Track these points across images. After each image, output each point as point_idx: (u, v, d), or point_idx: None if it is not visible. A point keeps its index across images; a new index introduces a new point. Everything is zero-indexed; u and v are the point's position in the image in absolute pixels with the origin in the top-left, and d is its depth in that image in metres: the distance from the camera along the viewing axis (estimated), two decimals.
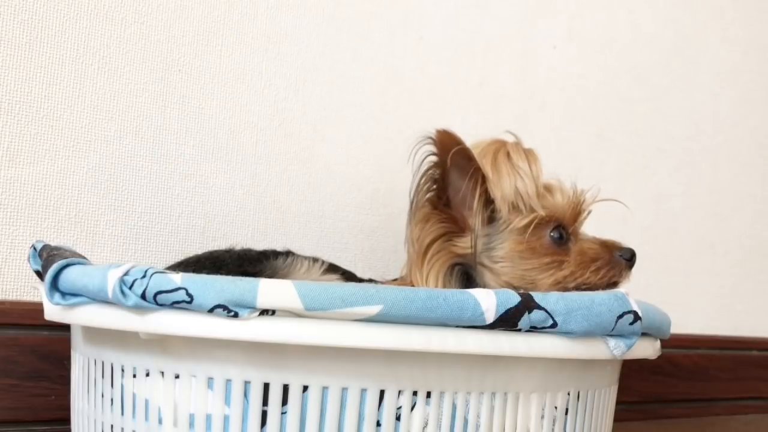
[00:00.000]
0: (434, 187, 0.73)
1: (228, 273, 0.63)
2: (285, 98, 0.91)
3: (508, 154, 0.71)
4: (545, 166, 0.74)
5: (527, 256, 0.71)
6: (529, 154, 0.72)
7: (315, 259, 0.71)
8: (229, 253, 0.70)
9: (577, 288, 0.70)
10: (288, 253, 0.70)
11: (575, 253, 0.72)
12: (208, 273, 0.63)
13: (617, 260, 0.72)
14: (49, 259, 0.56)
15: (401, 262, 0.79)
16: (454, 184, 0.72)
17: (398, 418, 0.52)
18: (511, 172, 0.70)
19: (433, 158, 0.72)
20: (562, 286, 0.70)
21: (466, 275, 0.72)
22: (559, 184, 0.75)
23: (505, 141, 0.73)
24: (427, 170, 0.73)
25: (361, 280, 0.74)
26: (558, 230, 0.72)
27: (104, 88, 0.80)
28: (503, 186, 0.70)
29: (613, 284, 0.72)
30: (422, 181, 0.73)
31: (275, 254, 0.70)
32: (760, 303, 1.37)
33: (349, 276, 0.74)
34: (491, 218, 0.72)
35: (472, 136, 0.75)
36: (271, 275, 0.66)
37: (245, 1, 0.89)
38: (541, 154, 0.74)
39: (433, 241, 0.72)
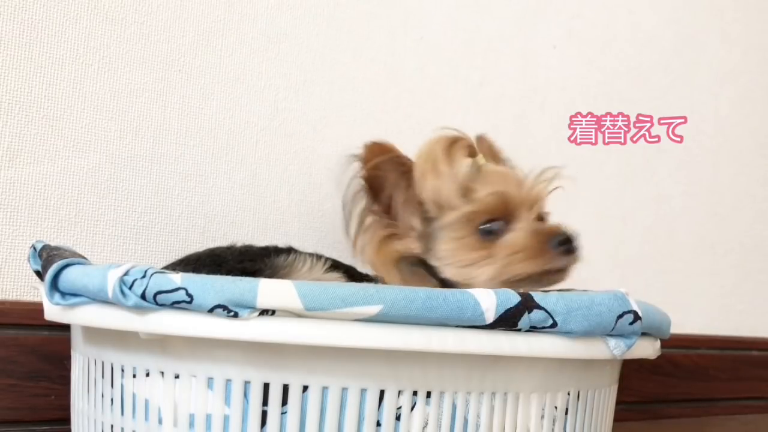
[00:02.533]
0: (368, 197, 0.73)
1: (228, 270, 0.63)
2: (285, 98, 0.91)
3: (429, 154, 0.70)
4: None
5: (460, 253, 0.70)
6: (453, 153, 0.70)
7: (318, 256, 0.70)
8: (230, 250, 0.69)
9: (514, 282, 0.67)
10: (290, 251, 0.70)
11: (501, 246, 0.69)
12: (208, 270, 0.63)
13: (548, 248, 0.68)
14: (49, 259, 0.56)
15: None
16: (390, 190, 0.73)
17: (398, 418, 0.52)
18: (430, 172, 0.69)
19: (362, 172, 0.72)
20: (497, 282, 0.68)
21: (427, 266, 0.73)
22: (505, 171, 0.73)
23: (440, 138, 0.72)
24: (359, 184, 0.73)
25: (363, 276, 0.74)
26: (490, 223, 0.69)
27: (104, 88, 0.80)
28: (425, 187, 0.70)
29: (554, 273, 0.69)
30: (355, 195, 0.73)
31: (277, 251, 0.69)
32: (760, 303, 1.37)
33: (351, 273, 0.74)
34: (429, 218, 0.72)
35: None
36: (272, 274, 0.65)
37: (245, 1, 0.89)
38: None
39: (380, 244, 0.72)
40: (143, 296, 0.49)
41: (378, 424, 0.52)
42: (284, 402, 0.51)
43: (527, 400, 0.55)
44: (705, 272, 1.31)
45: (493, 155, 0.78)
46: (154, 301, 0.49)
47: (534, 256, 0.68)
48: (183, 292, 0.48)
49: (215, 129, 0.86)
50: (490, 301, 0.51)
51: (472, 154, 0.73)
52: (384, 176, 0.72)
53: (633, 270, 1.21)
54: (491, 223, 0.70)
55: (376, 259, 0.72)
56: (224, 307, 0.48)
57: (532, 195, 0.72)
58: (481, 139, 0.78)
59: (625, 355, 0.57)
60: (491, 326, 0.52)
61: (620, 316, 0.55)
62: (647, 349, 0.61)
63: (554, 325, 0.53)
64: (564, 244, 0.68)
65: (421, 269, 0.72)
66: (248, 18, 0.89)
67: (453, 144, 0.71)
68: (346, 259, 0.77)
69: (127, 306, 0.49)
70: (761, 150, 1.39)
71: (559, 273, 0.69)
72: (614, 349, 0.56)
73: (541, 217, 0.73)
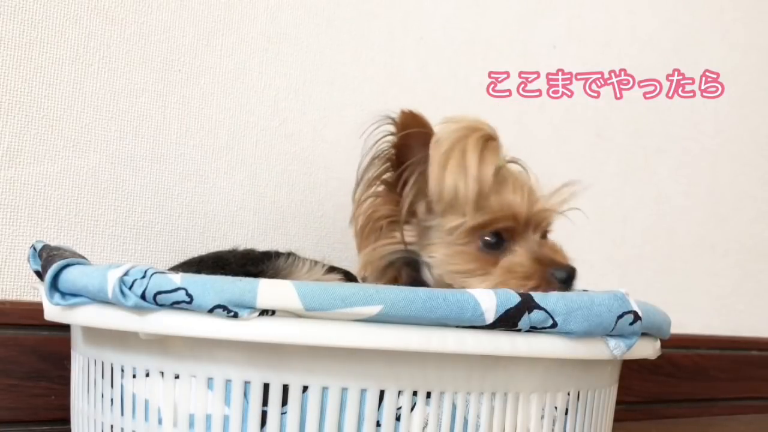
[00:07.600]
0: (390, 167, 0.69)
1: (231, 273, 0.63)
2: (285, 98, 0.91)
3: (458, 145, 0.64)
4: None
5: (457, 260, 0.67)
6: (486, 155, 0.65)
7: (316, 261, 0.71)
8: (233, 253, 0.70)
9: None
10: (290, 254, 0.71)
11: (502, 266, 0.66)
12: (210, 273, 0.63)
13: (547, 277, 0.65)
14: (49, 260, 0.56)
15: None
16: (410, 167, 0.68)
17: (398, 419, 0.52)
18: (456, 167, 0.64)
19: (391, 138, 0.68)
20: None
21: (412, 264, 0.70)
22: (521, 182, 0.69)
23: (477, 128, 0.66)
24: (384, 149, 0.69)
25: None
26: (493, 235, 0.67)
27: (104, 88, 0.80)
28: (443, 179, 0.64)
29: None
30: (376, 159, 0.69)
31: (278, 255, 0.70)
32: (760, 303, 1.37)
33: (349, 276, 0.74)
34: (432, 211, 0.68)
35: None
36: (274, 275, 0.66)
37: (245, 1, 0.89)
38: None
39: (379, 219, 0.69)
40: (143, 296, 0.49)
41: (378, 424, 0.52)
42: (284, 402, 0.51)
43: (527, 400, 0.55)
44: (705, 272, 1.31)
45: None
46: (154, 301, 0.49)
47: (531, 280, 0.65)
48: (183, 292, 0.48)
49: (215, 129, 0.86)
50: (490, 302, 0.51)
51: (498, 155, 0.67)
52: (409, 150, 0.68)
53: (633, 270, 1.21)
54: (495, 236, 0.67)
55: (369, 238, 0.69)
56: (224, 308, 0.48)
57: (542, 213, 0.68)
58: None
59: (625, 356, 0.57)
60: (491, 326, 0.52)
61: (620, 317, 0.55)
62: (647, 349, 0.61)
63: (554, 325, 0.53)
64: (564, 282, 0.65)
65: (397, 266, 0.69)
66: (248, 18, 0.89)
67: (487, 143, 0.65)
68: (344, 263, 0.77)
69: (126, 306, 0.49)
70: (761, 150, 1.39)
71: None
72: (614, 349, 0.56)
73: (544, 233, 0.70)
